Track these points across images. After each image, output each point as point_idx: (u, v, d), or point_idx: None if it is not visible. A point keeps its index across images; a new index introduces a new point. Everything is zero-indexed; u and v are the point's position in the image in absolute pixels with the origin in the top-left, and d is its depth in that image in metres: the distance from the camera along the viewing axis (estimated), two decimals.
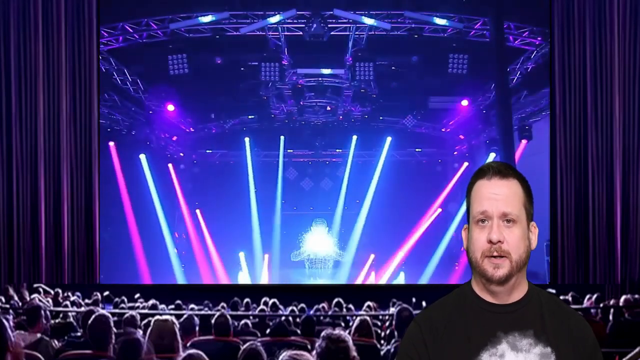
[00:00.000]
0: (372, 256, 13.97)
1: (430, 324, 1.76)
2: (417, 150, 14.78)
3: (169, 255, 13.38)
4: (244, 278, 13.55)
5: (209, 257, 13.58)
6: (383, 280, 13.55)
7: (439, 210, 13.96)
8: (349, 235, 14.11)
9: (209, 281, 13.08)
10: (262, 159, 14.46)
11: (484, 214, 1.71)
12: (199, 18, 11.15)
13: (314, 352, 3.65)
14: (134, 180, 12.68)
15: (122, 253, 12.18)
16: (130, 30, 11.20)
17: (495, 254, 1.69)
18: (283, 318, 6.90)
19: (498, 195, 1.72)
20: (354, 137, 14.11)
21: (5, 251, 9.05)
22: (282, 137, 14.11)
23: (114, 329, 4.37)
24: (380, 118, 14.14)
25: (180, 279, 13.01)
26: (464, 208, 1.91)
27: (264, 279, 13.65)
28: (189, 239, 14.14)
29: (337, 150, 14.45)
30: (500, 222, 1.70)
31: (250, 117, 14.12)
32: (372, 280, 13.70)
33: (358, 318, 5.58)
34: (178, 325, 4.69)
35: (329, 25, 11.20)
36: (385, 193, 13.92)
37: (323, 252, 13.91)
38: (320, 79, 13.06)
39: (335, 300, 8.88)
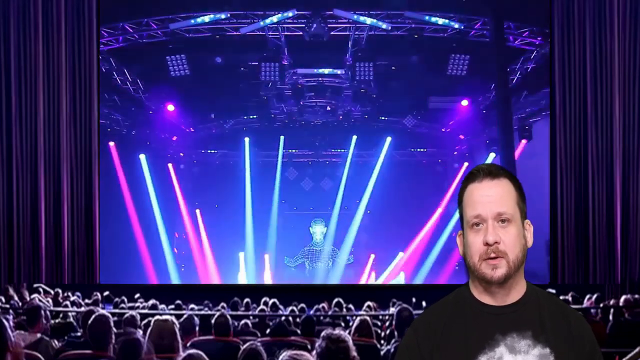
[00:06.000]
0: (372, 256, 13.96)
1: (427, 327, 1.75)
2: (420, 150, 14.77)
3: (169, 255, 13.37)
4: (243, 278, 13.54)
5: (209, 257, 13.57)
6: (382, 280, 13.54)
7: (440, 210, 13.93)
8: (348, 235, 14.10)
9: (208, 281, 13.07)
10: (262, 159, 14.45)
11: (478, 217, 1.70)
12: (199, 18, 11.15)
13: (314, 352, 3.65)
14: (134, 180, 12.68)
15: (122, 253, 12.17)
16: (130, 30, 11.20)
17: (492, 255, 1.68)
18: (283, 318, 6.89)
19: (490, 197, 1.70)
20: (354, 137, 14.10)
21: (5, 251, 9.05)
22: (282, 137, 14.10)
23: (114, 329, 4.37)
24: (380, 118, 14.13)
25: (180, 279, 13.00)
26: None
27: (263, 279, 13.64)
28: (188, 239, 14.13)
29: (337, 150, 14.44)
30: (495, 223, 1.69)
31: (251, 117, 14.11)
32: (372, 280, 13.69)
33: (358, 318, 5.58)
34: (178, 325, 4.68)
35: (329, 25, 11.20)
36: (385, 193, 13.91)
37: (323, 251, 13.90)
38: (320, 79, 13.06)
39: (335, 300, 8.88)
